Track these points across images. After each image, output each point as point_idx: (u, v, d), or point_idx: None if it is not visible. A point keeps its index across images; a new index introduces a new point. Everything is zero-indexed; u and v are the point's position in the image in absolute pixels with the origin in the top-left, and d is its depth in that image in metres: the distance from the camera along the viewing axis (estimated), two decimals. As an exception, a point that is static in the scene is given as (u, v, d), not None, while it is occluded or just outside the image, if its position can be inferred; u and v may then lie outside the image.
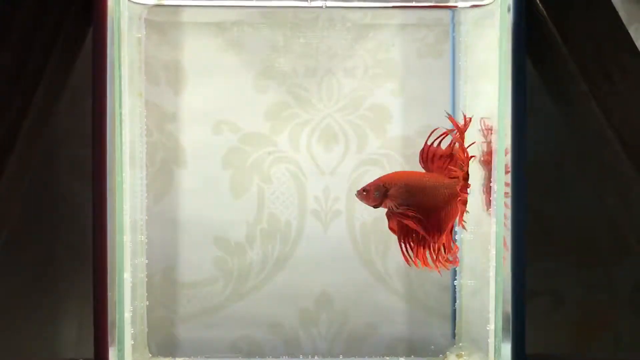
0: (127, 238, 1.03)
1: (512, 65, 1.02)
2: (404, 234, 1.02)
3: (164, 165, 1.16)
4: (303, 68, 1.16)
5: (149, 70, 1.14)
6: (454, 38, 1.16)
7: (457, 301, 1.16)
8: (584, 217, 1.29)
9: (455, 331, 1.17)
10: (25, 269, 1.26)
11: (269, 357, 1.16)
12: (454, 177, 1.01)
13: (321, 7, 1.10)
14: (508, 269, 1.04)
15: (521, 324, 1.05)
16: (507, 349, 1.04)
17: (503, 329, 1.04)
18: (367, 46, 1.16)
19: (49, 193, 1.26)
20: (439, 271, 1.02)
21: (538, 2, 1.11)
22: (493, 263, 1.04)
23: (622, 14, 1.04)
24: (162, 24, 1.15)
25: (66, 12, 1.10)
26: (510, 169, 1.04)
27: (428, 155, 1.02)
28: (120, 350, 1.03)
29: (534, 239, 1.26)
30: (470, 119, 1.02)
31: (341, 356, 1.17)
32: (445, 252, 1.02)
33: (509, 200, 1.04)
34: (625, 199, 1.13)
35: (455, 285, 1.16)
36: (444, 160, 1.02)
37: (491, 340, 1.04)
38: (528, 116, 1.05)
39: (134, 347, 1.07)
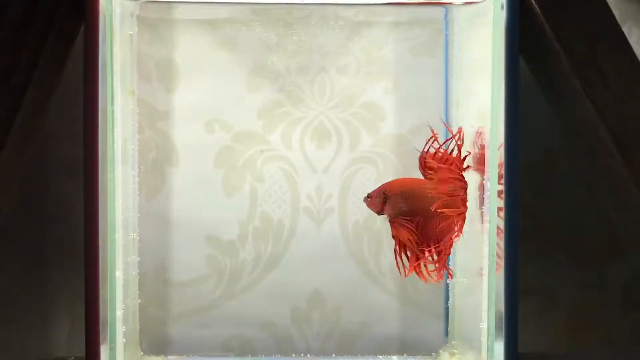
0: (119, 236, 1.03)
1: (506, 63, 1.02)
2: (400, 242, 1.03)
3: (156, 163, 1.16)
4: (296, 66, 1.16)
5: (141, 67, 1.14)
6: (447, 36, 1.15)
7: (450, 300, 1.16)
8: (576, 216, 1.29)
9: (448, 330, 1.17)
10: (17, 267, 1.25)
11: (261, 356, 1.16)
12: (454, 184, 1.01)
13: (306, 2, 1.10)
14: (501, 268, 1.04)
15: (514, 323, 1.05)
16: (499, 347, 1.04)
17: (496, 327, 1.04)
18: (360, 44, 1.16)
19: (40, 191, 1.25)
20: (426, 280, 1.03)
21: None
22: (486, 262, 1.04)
23: (616, 12, 1.04)
24: (154, 21, 1.14)
25: (57, 9, 1.09)
26: (503, 168, 1.04)
27: (425, 161, 1.02)
28: (112, 349, 1.03)
29: (527, 237, 1.26)
30: (460, 129, 1.02)
31: (334, 354, 1.17)
32: (436, 263, 1.02)
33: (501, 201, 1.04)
34: (619, 198, 1.13)
35: (448, 284, 1.16)
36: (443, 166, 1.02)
37: (484, 338, 1.04)
38: (521, 114, 1.04)
39: (125, 345, 1.06)
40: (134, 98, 1.13)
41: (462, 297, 1.14)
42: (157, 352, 1.16)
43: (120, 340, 1.04)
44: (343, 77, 1.16)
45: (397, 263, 1.02)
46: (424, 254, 1.02)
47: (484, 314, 1.04)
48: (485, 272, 1.04)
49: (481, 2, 1.06)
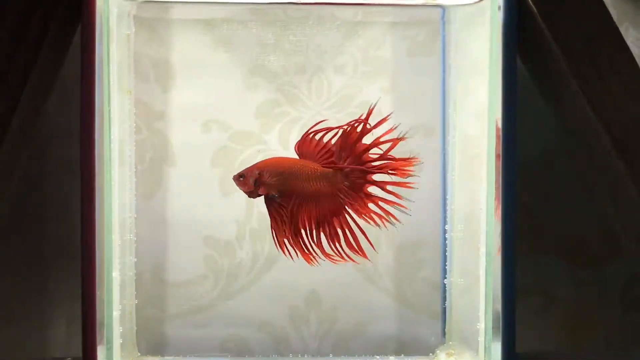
0: (115, 236, 1.03)
1: (503, 63, 1.02)
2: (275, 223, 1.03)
3: (153, 163, 1.16)
4: (293, 66, 1.16)
5: (138, 67, 1.14)
6: (444, 36, 1.15)
7: (447, 300, 1.16)
8: (574, 215, 1.29)
9: (446, 330, 1.16)
10: (14, 267, 1.25)
11: (258, 356, 1.16)
12: (330, 167, 1.01)
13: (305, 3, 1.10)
14: (498, 268, 1.04)
15: (511, 323, 1.05)
16: (497, 347, 1.04)
17: (493, 327, 1.04)
18: (357, 44, 1.16)
19: (37, 191, 1.25)
20: (309, 262, 1.02)
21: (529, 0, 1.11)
22: (483, 261, 1.04)
23: (613, 12, 1.03)
24: (151, 21, 1.14)
25: (55, 9, 1.09)
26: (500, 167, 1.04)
27: (306, 145, 1.02)
28: (109, 349, 1.03)
29: (525, 237, 1.26)
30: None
31: (331, 355, 1.16)
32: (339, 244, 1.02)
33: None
34: (616, 197, 1.13)
35: (445, 284, 1.16)
36: (323, 153, 1.02)
37: (481, 338, 1.04)
38: (518, 114, 1.04)
39: (122, 345, 1.06)
40: (130, 98, 1.12)
41: (459, 297, 1.14)
42: (154, 353, 1.16)
43: (117, 340, 1.04)
44: (340, 77, 1.16)
45: (275, 242, 1.02)
46: (298, 236, 1.02)
47: (482, 313, 1.04)
48: (481, 272, 1.04)
49: (478, 2, 1.07)
